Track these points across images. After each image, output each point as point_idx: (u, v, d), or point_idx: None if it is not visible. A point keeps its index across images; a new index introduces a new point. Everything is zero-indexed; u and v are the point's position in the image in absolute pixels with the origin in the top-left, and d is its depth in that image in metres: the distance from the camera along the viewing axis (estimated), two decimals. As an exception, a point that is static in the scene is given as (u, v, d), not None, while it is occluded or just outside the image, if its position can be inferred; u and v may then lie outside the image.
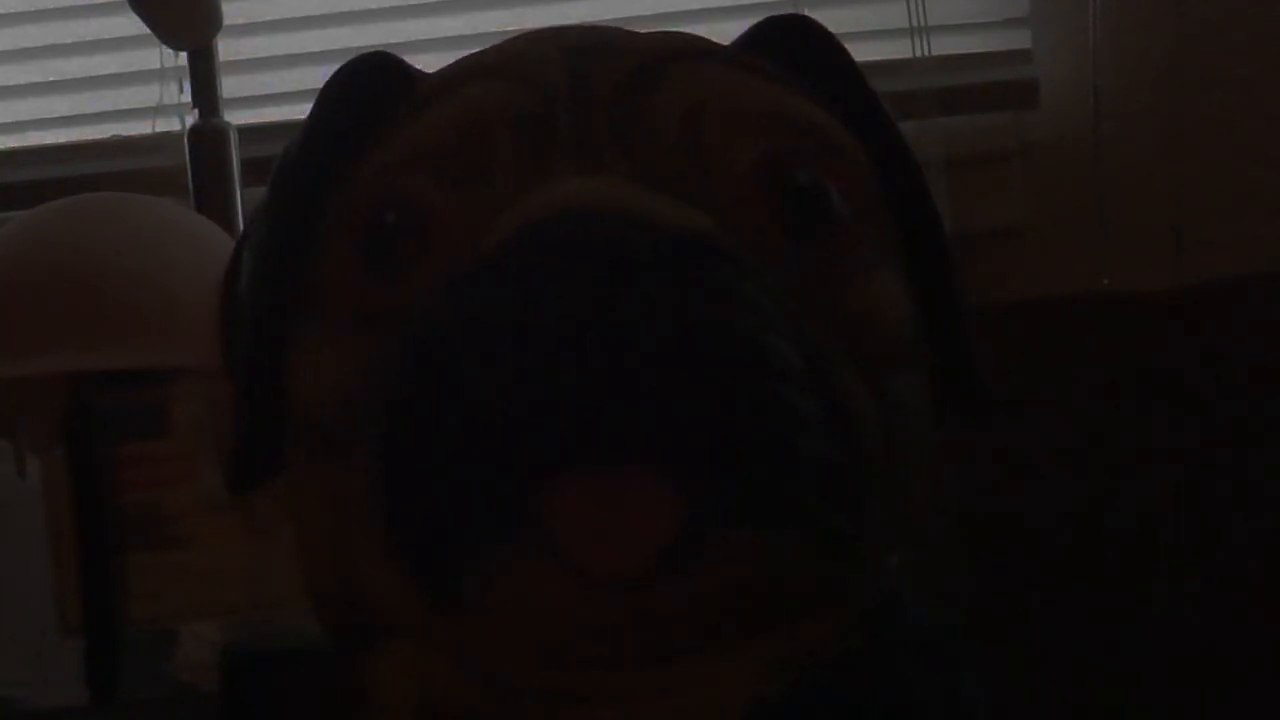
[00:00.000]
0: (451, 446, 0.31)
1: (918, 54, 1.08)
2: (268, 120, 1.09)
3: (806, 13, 0.43)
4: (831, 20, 0.42)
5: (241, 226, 0.95)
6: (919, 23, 1.08)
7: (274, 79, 1.13)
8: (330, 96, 0.41)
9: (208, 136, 0.97)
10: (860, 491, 0.34)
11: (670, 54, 0.38)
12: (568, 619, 0.32)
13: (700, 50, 0.39)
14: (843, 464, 0.33)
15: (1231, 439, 0.79)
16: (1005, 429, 0.43)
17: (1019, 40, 1.10)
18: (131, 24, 0.97)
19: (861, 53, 0.42)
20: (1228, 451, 0.79)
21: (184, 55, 1.00)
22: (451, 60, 0.41)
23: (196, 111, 0.98)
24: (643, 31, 0.40)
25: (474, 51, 0.40)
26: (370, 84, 0.40)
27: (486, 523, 0.32)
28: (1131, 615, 0.79)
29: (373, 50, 0.41)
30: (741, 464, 0.31)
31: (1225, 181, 1.04)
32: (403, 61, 0.41)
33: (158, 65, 1.12)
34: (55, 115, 1.17)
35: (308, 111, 0.41)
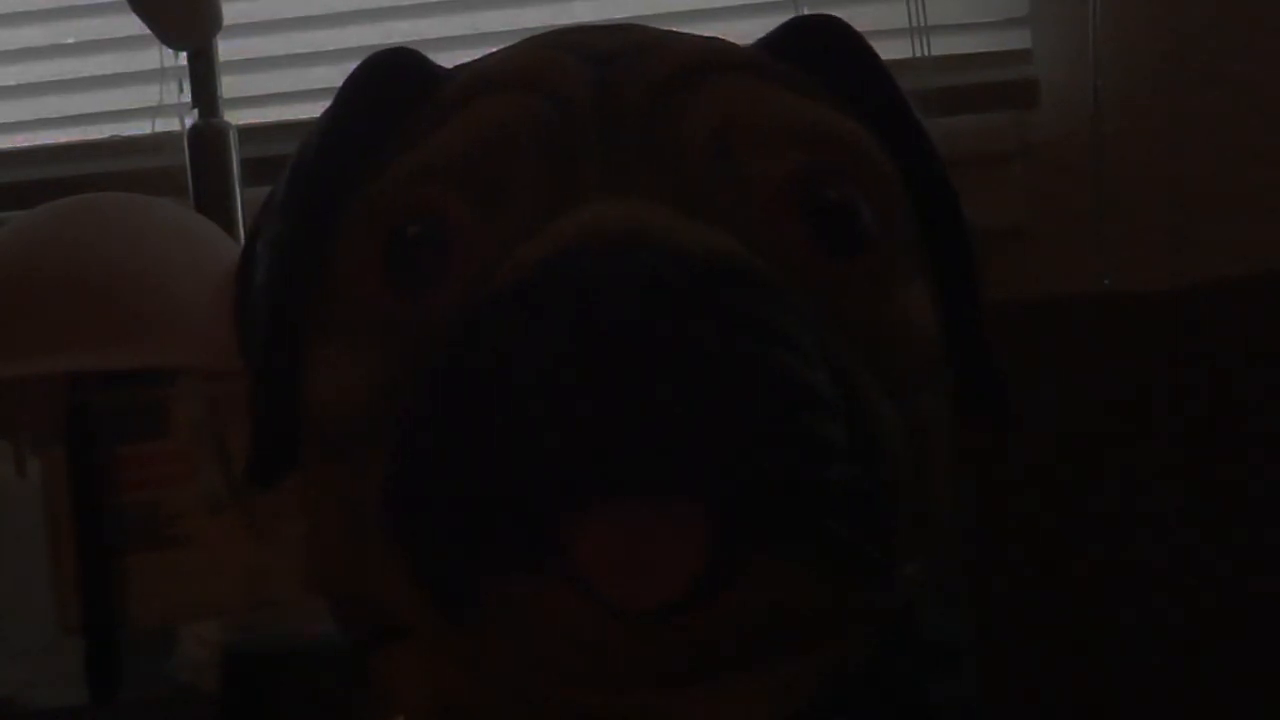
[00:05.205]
0: (476, 474, 0.31)
1: (918, 54, 1.08)
2: (268, 120, 1.09)
3: (806, 12, 0.42)
4: (831, 20, 0.42)
5: (242, 226, 0.95)
6: (919, 23, 1.08)
7: (274, 79, 1.12)
8: (351, 92, 0.40)
9: (207, 136, 0.97)
10: (887, 513, 0.34)
11: (699, 65, 0.37)
12: (588, 644, 0.32)
13: (729, 61, 0.38)
14: (870, 488, 0.33)
15: (1232, 440, 0.79)
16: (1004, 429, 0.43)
17: (1019, 40, 1.10)
18: (131, 24, 0.97)
19: (861, 52, 0.42)
20: (1229, 452, 0.79)
21: (184, 55, 1.00)
22: (452, 60, 0.41)
23: (196, 111, 0.99)
24: (667, 34, 0.39)
25: (496, 52, 0.40)
26: (392, 81, 0.39)
27: (507, 551, 0.32)
28: (1133, 617, 0.79)
29: (394, 46, 0.41)
30: (771, 495, 0.31)
31: (1225, 181, 1.04)
32: (425, 58, 0.40)
33: (158, 65, 1.12)
34: (55, 115, 1.17)
35: (323, 107, 0.41)
